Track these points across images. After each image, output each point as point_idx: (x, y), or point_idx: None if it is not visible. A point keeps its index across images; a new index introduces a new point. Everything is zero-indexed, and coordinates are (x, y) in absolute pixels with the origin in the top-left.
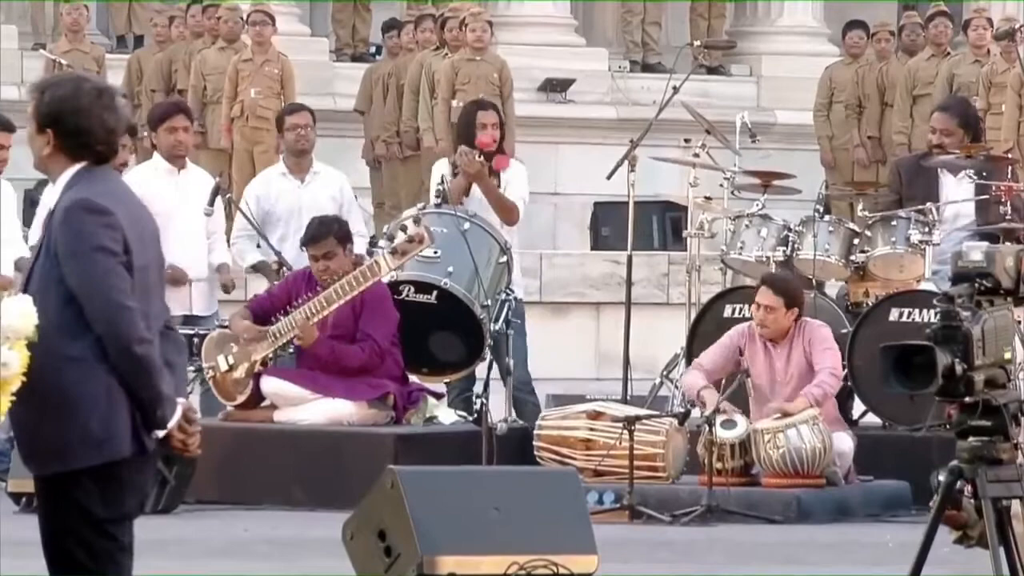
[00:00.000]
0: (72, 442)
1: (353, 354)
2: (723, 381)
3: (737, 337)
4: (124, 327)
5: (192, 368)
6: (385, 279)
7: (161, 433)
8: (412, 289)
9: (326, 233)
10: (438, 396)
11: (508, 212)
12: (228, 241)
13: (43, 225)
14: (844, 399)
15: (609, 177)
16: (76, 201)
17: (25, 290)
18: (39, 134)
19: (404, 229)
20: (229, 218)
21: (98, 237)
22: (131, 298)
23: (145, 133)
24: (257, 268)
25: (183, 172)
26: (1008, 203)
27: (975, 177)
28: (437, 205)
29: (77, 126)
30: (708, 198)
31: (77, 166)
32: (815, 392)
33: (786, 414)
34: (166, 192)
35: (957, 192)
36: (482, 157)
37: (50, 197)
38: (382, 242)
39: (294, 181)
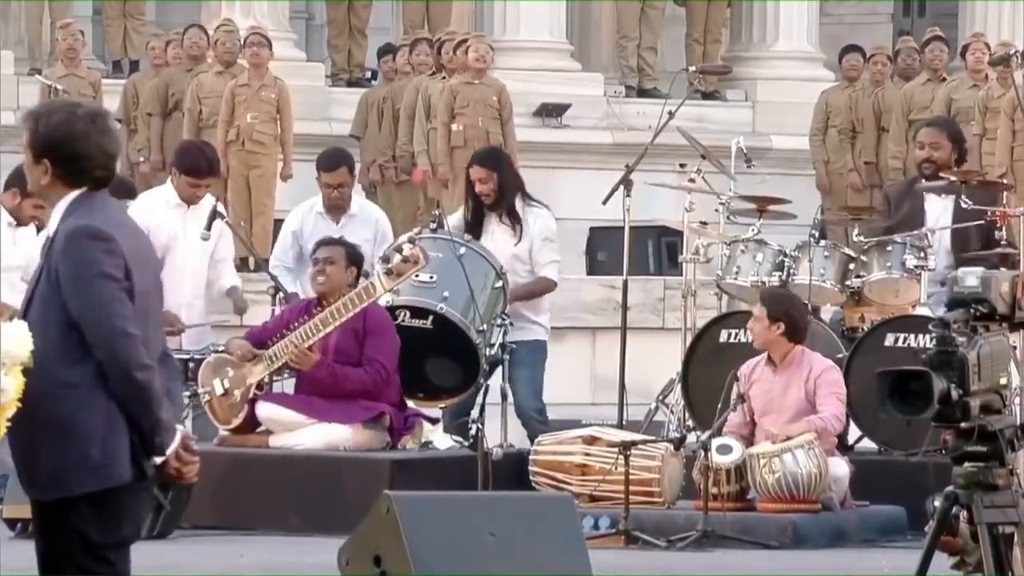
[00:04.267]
0: (72, 468)
1: (356, 376)
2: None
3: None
4: (125, 354)
5: (187, 393)
6: (382, 301)
7: (159, 460)
8: (408, 314)
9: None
10: (433, 421)
11: (545, 293)
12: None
13: (42, 251)
14: None
15: (605, 202)
16: (78, 228)
17: (25, 316)
18: (36, 164)
19: (400, 250)
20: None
21: (100, 264)
22: (133, 324)
23: (143, 159)
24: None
25: (192, 207)
26: (1003, 228)
27: (969, 203)
28: (433, 230)
29: (74, 153)
30: (704, 223)
31: (75, 192)
32: (817, 423)
33: (787, 437)
34: (172, 226)
35: (940, 212)
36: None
37: (50, 224)
38: (377, 265)
39: (330, 222)
